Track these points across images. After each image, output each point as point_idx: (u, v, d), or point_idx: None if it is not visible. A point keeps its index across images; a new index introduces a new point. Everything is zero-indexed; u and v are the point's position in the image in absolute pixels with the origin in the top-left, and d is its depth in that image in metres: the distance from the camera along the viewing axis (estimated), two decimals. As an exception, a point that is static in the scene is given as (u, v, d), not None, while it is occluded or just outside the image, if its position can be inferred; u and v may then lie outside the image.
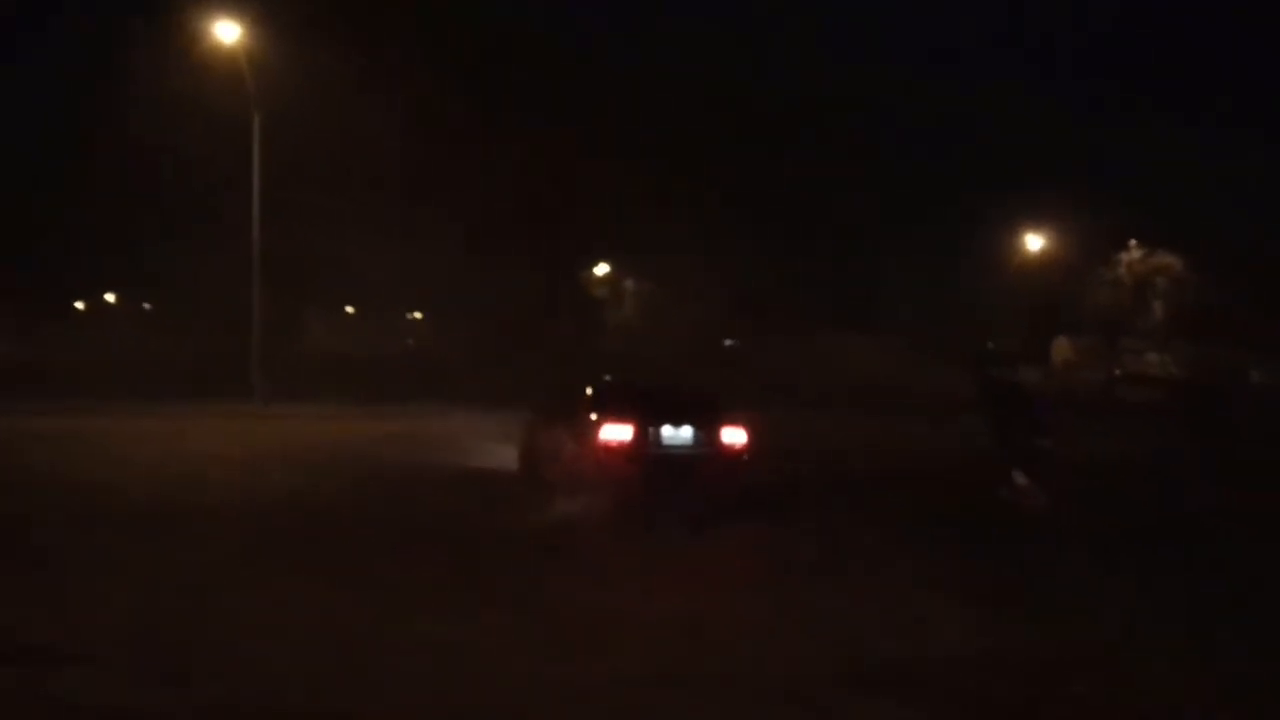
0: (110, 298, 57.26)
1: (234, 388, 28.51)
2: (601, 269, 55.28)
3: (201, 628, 6.77)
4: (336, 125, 37.77)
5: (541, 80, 42.43)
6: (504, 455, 14.64)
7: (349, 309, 58.02)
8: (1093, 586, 8.60)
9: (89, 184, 39.56)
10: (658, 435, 11.65)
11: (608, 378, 14.11)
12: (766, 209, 44.86)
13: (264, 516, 10.95)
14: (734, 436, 11.82)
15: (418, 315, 61.34)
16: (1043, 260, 49.55)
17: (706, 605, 7.78)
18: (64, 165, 40.20)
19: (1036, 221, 48.85)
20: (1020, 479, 12.86)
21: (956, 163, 55.67)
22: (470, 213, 41.07)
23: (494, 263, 41.39)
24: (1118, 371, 39.99)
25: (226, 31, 28.44)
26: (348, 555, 9.16)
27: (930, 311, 46.16)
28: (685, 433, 11.77)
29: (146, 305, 55.55)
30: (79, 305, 55.86)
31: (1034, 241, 49.57)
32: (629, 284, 57.27)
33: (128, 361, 36.72)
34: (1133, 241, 51.64)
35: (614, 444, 11.48)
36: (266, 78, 30.01)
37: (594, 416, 11.65)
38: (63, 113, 41.20)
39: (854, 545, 10.16)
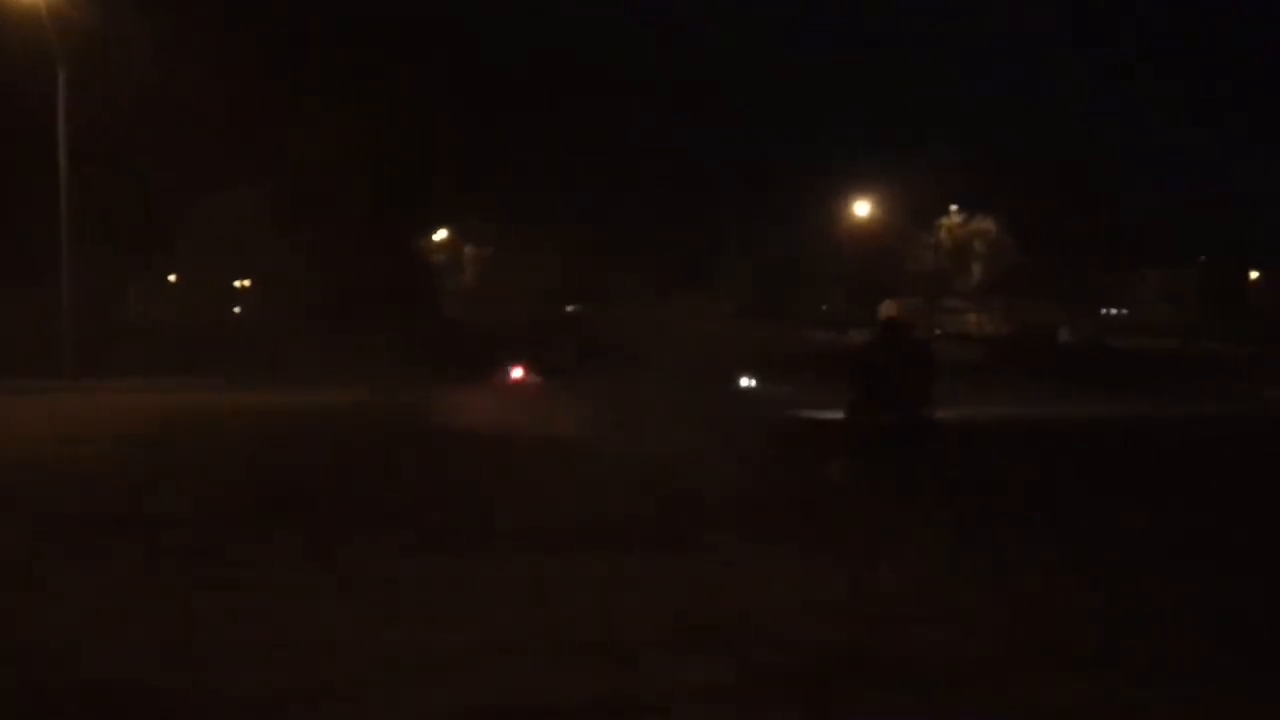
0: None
1: (42, 362, 27.07)
2: (440, 235, 54.41)
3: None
4: (147, 85, 35.85)
5: (359, 39, 41.20)
6: None
7: (171, 277, 55.42)
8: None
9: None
10: None
11: None
12: (598, 171, 44.94)
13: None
14: None
15: (246, 283, 59.12)
16: (870, 225, 51.35)
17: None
18: None
19: (862, 187, 50.57)
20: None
21: (786, 129, 56.79)
22: (298, 176, 39.69)
23: (323, 227, 40.18)
24: (938, 331, 41.86)
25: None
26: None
27: (763, 275, 47.25)
28: None
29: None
30: None
31: (861, 207, 51.32)
32: (468, 249, 56.62)
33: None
34: (954, 206, 54.11)
35: None
36: (71, 33, 28.35)
37: None
38: None
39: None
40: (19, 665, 5.54)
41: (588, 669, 5.49)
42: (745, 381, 22.37)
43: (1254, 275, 60.38)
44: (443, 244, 54.76)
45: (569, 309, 52.96)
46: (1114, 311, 55.40)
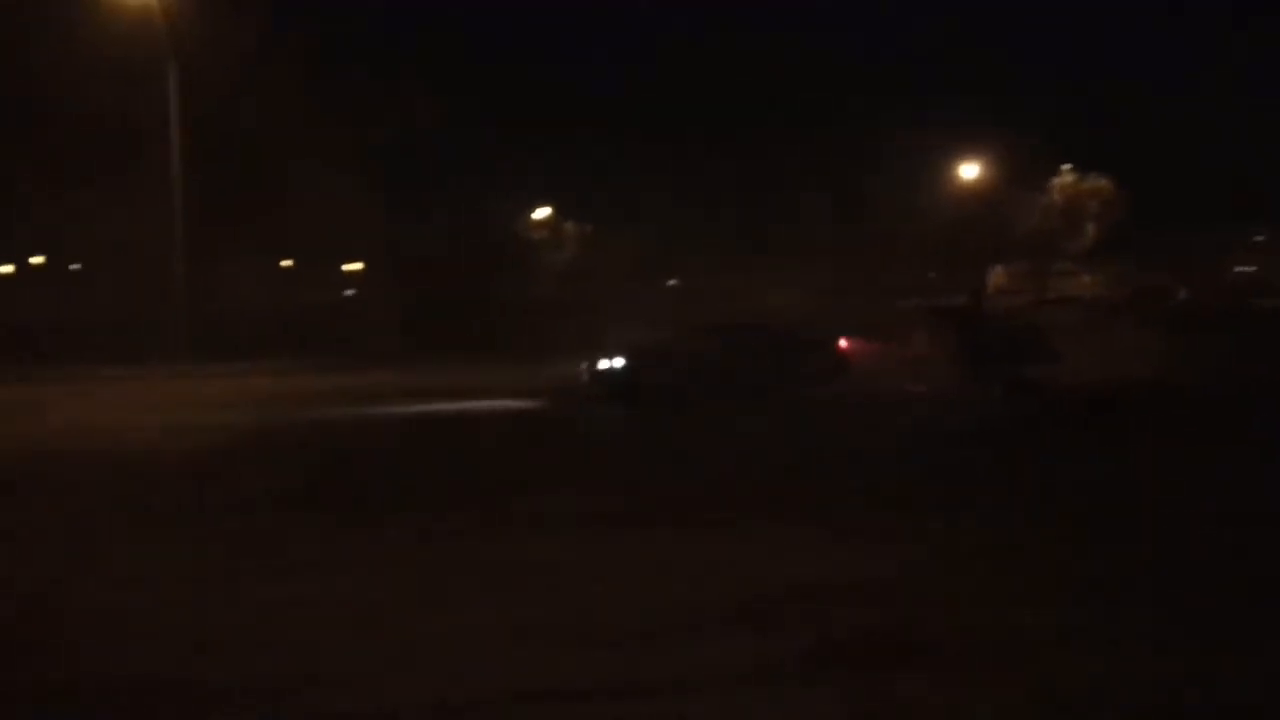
0: (38, 260, 55.92)
1: (160, 348, 28.12)
2: (542, 212, 54.75)
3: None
4: (256, 74, 36.91)
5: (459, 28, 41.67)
6: None
7: (285, 263, 57.09)
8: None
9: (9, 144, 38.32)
10: None
11: None
12: (693, 145, 44.61)
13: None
14: None
15: (357, 266, 60.52)
16: (975, 188, 49.82)
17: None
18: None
19: (968, 149, 49.04)
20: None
21: (888, 92, 55.38)
22: (402, 159, 40.52)
23: (428, 212, 40.96)
24: (1051, 295, 40.47)
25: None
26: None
27: (860, 242, 46.20)
28: None
29: (75, 266, 54.32)
30: (5, 270, 54.56)
31: (968, 169, 49.78)
32: (569, 226, 56.84)
33: (50, 326, 35.98)
34: (1066, 165, 52.08)
35: None
36: (183, 26, 29.24)
37: None
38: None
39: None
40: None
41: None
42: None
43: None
44: (543, 221, 55.08)
45: (670, 283, 52.79)
46: (1242, 270, 52.62)
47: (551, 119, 46.08)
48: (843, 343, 17.82)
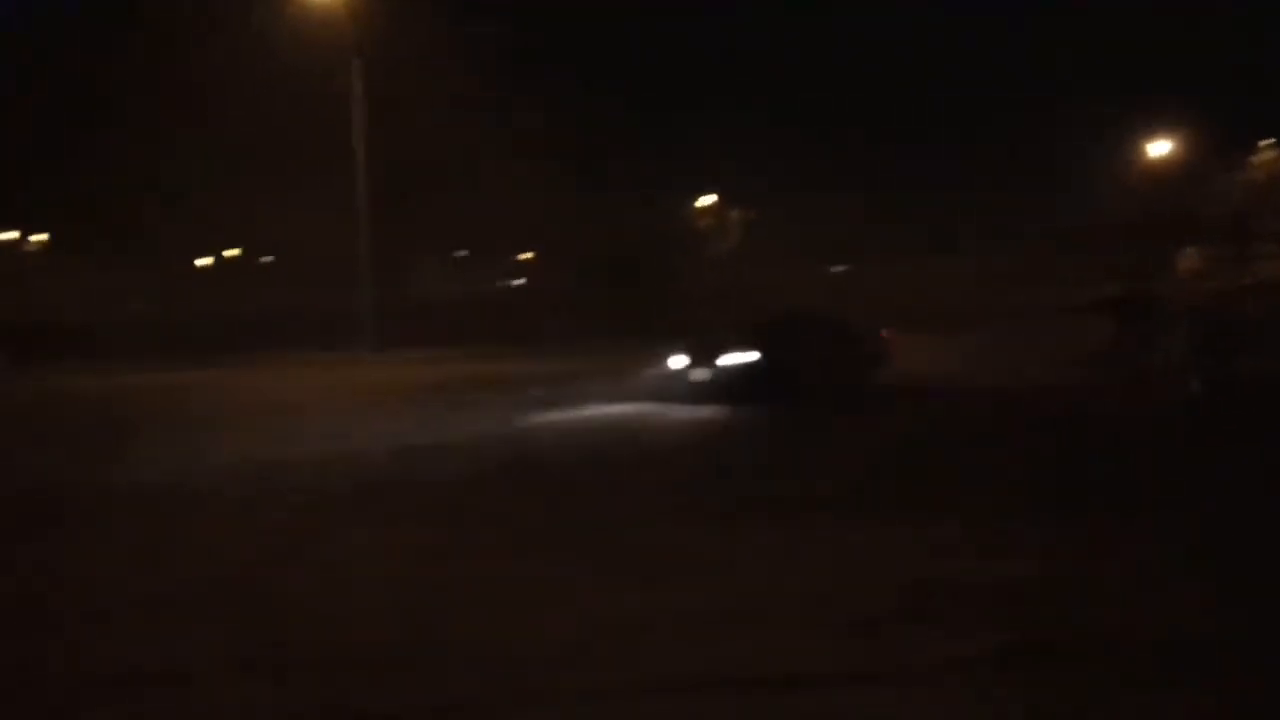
0: (232, 253, 59.30)
1: (345, 337, 29.45)
2: (706, 200, 54.80)
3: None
4: (436, 68, 38.11)
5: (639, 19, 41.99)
6: None
7: (460, 253, 58.90)
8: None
9: (203, 140, 40.64)
10: None
11: None
12: (860, 131, 43.69)
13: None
14: None
15: (528, 255, 61.92)
16: (1164, 167, 47.14)
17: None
18: (171, 126, 40.84)
19: (1156, 127, 46.42)
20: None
21: (1063, 69, 52.80)
22: (571, 148, 41.16)
23: (596, 199, 41.50)
24: (1247, 280, 37.87)
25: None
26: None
27: (1043, 228, 44.42)
28: None
29: (267, 259, 57.37)
30: (203, 262, 58.03)
31: (1157, 148, 47.17)
32: (734, 213, 56.66)
33: (245, 315, 38.15)
34: (1266, 140, 48.73)
35: None
36: (365, 20, 30.44)
37: None
38: (172, 71, 41.88)
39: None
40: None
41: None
42: None
43: None
44: (708, 209, 55.09)
45: (834, 269, 52.00)
46: None
47: (715, 104, 45.89)
48: (884, 333, 17.65)
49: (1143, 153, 48.02)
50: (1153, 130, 46.88)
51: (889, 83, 48.43)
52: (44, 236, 51.20)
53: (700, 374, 16.09)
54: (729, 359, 16.20)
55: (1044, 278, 34.62)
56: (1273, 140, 48.74)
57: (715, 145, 44.06)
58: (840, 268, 52.19)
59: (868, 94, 46.62)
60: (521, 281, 58.91)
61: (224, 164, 40.35)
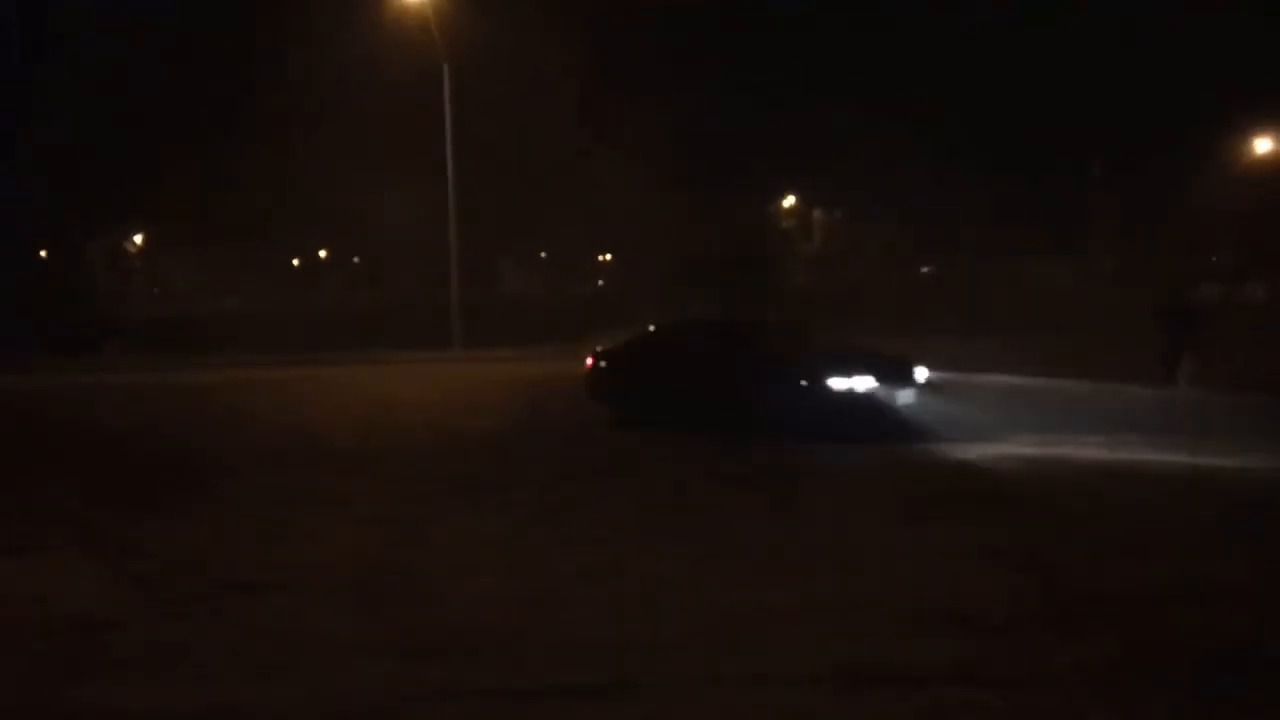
0: (323, 253, 60.60)
1: (434, 335, 29.87)
2: (789, 201, 54.47)
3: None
4: (520, 74, 38.59)
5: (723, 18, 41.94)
6: None
7: (542, 254, 59.42)
8: None
9: (290, 142, 41.63)
10: None
11: None
12: (950, 128, 42.92)
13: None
14: None
15: (607, 257, 62.21)
16: (1271, 164, 45.50)
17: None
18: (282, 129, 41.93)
19: (1263, 122, 44.82)
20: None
21: (1168, 67, 51.21)
22: (653, 149, 41.18)
23: (677, 199, 41.46)
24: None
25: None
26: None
27: (1144, 227, 43.14)
28: None
29: (355, 259, 58.50)
30: (295, 262, 59.39)
31: (1262, 144, 45.50)
32: (817, 214, 56.21)
33: (338, 313, 38.91)
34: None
35: None
36: (453, 27, 30.86)
37: None
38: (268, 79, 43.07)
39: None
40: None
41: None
42: None
43: None
44: (791, 210, 54.76)
45: (923, 270, 51.26)
46: None
47: (799, 104, 45.47)
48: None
49: (1248, 149, 46.45)
50: (1261, 126, 45.33)
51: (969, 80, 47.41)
52: (141, 237, 52.82)
53: (906, 396, 12.31)
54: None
55: (1149, 277, 33.67)
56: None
57: (797, 145, 43.74)
58: (927, 268, 51.48)
59: (950, 92, 45.75)
60: (600, 283, 59.20)
61: (330, 165, 41.29)
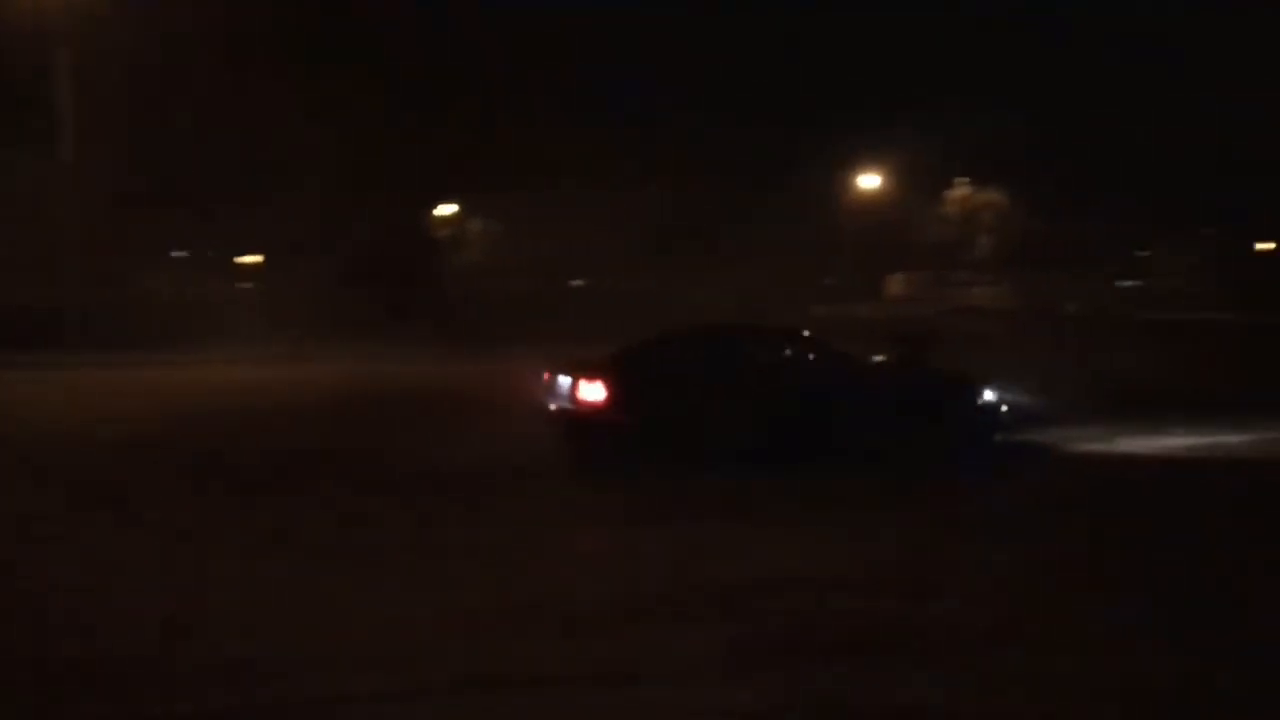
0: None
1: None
2: (447, 209, 54.03)
3: None
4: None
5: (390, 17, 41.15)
6: None
7: (176, 253, 55.21)
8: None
9: None
10: None
11: None
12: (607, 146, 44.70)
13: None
14: None
15: (257, 259, 58.79)
16: (875, 198, 51.02)
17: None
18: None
19: (867, 160, 50.26)
20: None
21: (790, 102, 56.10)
22: (306, 154, 39.62)
23: (331, 204, 40.09)
24: (955, 305, 41.61)
25: None
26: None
27: (767, 249, 46.92)
28: None
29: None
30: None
31: (868, 179, 50.91)
32: (475, 224, 56.27)
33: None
34: (961, 178, 53.70)
35: None
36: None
37: None
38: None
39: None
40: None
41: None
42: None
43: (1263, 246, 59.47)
44: (449, 219, 54.47)
45: (574, 283, 52.74)
46: (1129, 284, 54.81)
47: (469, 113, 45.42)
48: None
49: (853, 184, 51.72)
50: (864, 163, 50.67)
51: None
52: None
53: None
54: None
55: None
56: (967, 179, 53.79)
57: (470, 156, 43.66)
58: (578, 281, 52.98)
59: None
60: (247, 286, 55.87)
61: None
